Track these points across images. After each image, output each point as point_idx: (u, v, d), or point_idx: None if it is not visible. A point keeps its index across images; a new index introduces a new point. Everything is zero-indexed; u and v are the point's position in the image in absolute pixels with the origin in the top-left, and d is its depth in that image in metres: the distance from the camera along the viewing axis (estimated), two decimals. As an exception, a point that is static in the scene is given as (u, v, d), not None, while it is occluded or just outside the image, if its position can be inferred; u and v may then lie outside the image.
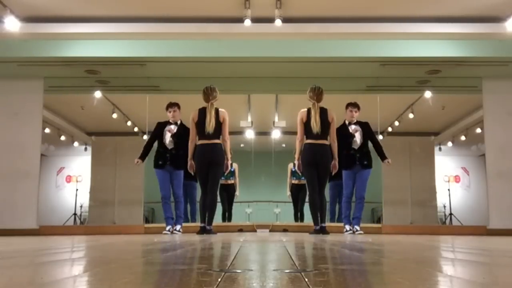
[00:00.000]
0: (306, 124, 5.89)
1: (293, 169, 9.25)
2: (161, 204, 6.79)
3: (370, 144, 6.66)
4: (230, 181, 9.39)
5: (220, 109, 5.95)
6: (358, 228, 6.48)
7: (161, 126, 6.74)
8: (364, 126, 6.60)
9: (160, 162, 6.65)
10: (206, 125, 5.84)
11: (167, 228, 6.69)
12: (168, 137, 6.62)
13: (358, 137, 6.51)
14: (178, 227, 6.77)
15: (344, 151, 6.38)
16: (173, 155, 6.61)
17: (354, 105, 6.64)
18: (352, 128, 6.55)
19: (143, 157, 6.80)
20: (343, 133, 6.46)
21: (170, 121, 6.72)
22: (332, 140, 5.96)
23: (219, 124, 5.88)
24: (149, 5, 6.56)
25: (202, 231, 5.91)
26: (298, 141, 6.00)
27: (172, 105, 6.74)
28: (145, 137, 10.47)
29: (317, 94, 5.94)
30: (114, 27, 6.89)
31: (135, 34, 7.04)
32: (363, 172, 6.51)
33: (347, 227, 6.57)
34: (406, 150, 11.50)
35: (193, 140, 5.97)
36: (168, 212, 6.78)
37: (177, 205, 6.82)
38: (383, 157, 6.62)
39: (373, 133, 6.68)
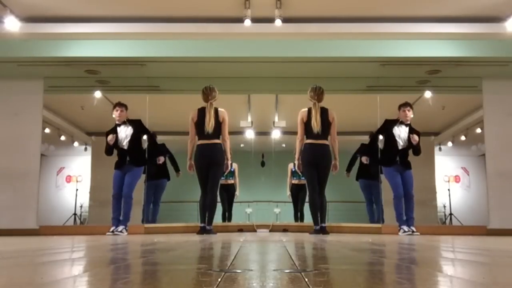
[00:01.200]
0: (307, 124, 5.89)
1: (293, 169, 9.25)
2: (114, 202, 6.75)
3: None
4: (230, 181, 9.39)
5: (219, 109, 5.95)
6: (414, 228, 6.40)
7: (111, 132, 6.76)
8: (414, 131, 6.56)
9: (120, 163, 6.70)
10: (206, 125, 5.84)
11: (111, 229, 6.62)
12: (124, 140, 6.69)
13: (404, 139, 6.48)
14: (120, 227, 6.68)
15: (388, 150, 6.42)
16: (131, 155, 6.64)
17: (408, 104, 6.57)
18: (400, 128, 6.50)
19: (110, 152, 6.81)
20: (392, 132, 6.45)
21: (117, 122, 6.76)
22: (333, 140, 5.95)
23: (218, 124, 5.88)
24: (149, 5, 6.56)
25: (202, 231, 5.91)
26: (298, 141, 5.99)
27: (119, 105, 6.84)
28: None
29: (318, 94, 5.93)
30: (114, 27, 6.89)
31: (135, 34, 7.04)
32: (407, 172, 6.46)
33: (405, 227, 6.41)
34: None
35: (192, 140, 5.97)
36: (115, 212, 6.78)
37: (124, 204, 6.82)
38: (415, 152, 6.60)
39: (419, 141, 6.61)
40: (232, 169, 9.19)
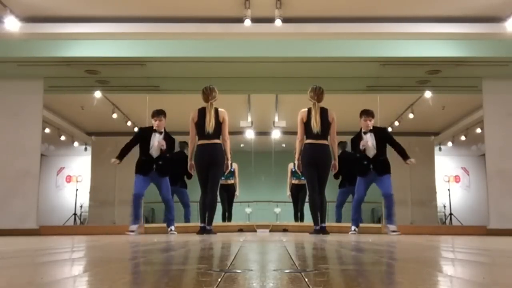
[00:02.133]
0: (306, 124, 5.89)
1: (293, 169, 9.25)
2: (132, 201, 6.57)
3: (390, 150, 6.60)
4: (230, 181, 9.39)
5: (219, 109, 5.95)
6: (394, 227, 6.44)
7: (145, 133, 6.62)
8: (380, 132, 6.50)
9: (145, 170, 6.59)
10: (206, 125, 5.83)
11: (131, 228, 6.47)
12: (155, 148, 6.53)
13: (371, 147, 6.41)
14: (172, 227, 6.74)
15: (358, 160, 6.43)
16: (159, 165, 6.55)
17: (368, 114, 6.50)
18: (366, 137, 6.43)
19: (120, 157, 6.78)
20: (357, 144, 6.47)
21: (155, 128, 6.59)
22: (332, 140, 5.95)
23: (218, 124, 5.88)
24: (149, 5, 6.56)
25: (202, 231, 5.91)
26: (298, 141, 5.99)
27: (158, 114, 6.59)
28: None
29: (318, 94, 5.93)
30: (114, 27, 6.89)
31: (135, 34, 7.04)
32: (381, 178, 6.44)
33: (353, 227, 6.60)
34: (406, 150, 11.49)
35: (193, 141, 5.96)
36: (136, 211, 6.57)
37: (168, 209, 6.80)
38: (405, 157, 6.55)
39: (391, 137, 6.57)
40: (232, 169, 9.19)
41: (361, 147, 6.39)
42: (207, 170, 5.87)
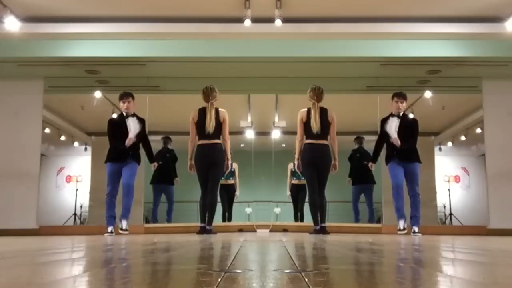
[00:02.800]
0: (306, 124, 5.88)
1: (293, 169, 9.25)
2: (106, 200, 6.16)
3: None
4: (230, 181, 9.39)
5: (220, 109, 5.95)
6: (416, 229, 6.01)
7: (114, 123, 6.36)
8: (412, 122, 6.24)
9: (116, 157, 6.17)
10: (206, 125, 5.83)
11: (109, 229, 6.06)
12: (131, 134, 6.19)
13: (396, 130, 6.08)
14: (124, 223, 6.19)
15: (387, 145, 6.12)
16: (131, 150, 6.21)
17: (400, 95, 6.17)
18: (394, 121, 6.10)
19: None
20: (385, 129, 6.14)
21: (124, 113, 6.36)
22: (332, 140, 5.94)
23: (219, 124, 5.87)
24: (149, 5, 6.56)
25: (202, 231, 5.91)
26: (298, 141, 5.99)
27: (126, 96, 6.35)
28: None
29: (318, 94, 5.93)
30: (114, 27, 6.89)
31: (135, 34, 7.04)
32: (410, 166, 6.11)
33: (401, 223, 6.06)
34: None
35: (193, 140, 5.96)
36: (111, 210, 6.14)
37: (126, 197, 6.23)
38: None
39: (417, 132, 6.28)
40: (232, 169, 9.19)
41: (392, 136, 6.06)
42: (207, 170, 5.87)
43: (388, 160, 6.19)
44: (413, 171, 6.13)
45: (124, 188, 6.18)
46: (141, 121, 6.38)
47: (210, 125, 5.83)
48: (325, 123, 5.87)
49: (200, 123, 5.88)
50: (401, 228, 6.04)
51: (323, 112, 5.91)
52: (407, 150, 6.10)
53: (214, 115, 5.87)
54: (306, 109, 5.95)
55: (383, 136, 6.24)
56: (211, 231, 5.91)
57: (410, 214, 6.04)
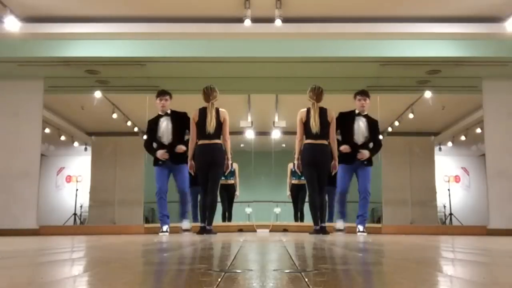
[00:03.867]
0: (306, 124, 5.88)
1: (293, 169, 9.25)
2: (156, 200, 6.22)
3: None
4: (230, 181, 9.39)
5: (220, 109, 5.94)
6: (361, 228, 6.12)
7: (153, 122, 6.32)
8: (373, 123, 6.22)
9: (160, 161, 6.21)
10: (207, 125, 5.82)
11: (164, 228, 6.18)
12: (163, 134, 6.18)
13: (363, 133, 6.12)
14: (186, 223, 6.28)
15: (345, 144, 6.07)
16: (172, 149, 6.19)
17: (362, 93, 6.18)
18: (360, 121, 6.12)
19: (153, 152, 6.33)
20: (347, 123, 6.09)
21: (160, 113, 6.30)
22: (332, 140, 5.93)
23: (219, 124, 5.87)
24: (149, 5, 6.56)
25: (202, 231, 5.91)
26: (297, 141, 5.98)
27: (162, 94, 6.28)
28: (145, 137, 10.48)
29: (317, 94, 5.92)
30: (114, 27, 6.89)
31: (135, 34, 7.04)
32: (364, 169, 6.16)
33: (339, 224, 6.23)
34: (406, 150, 11.51)
35: (194, 140, 5.95)
36: (163, 209, 6.20)
37: (183, 201, 6.34)
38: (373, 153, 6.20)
39: (377, 133, 6.27)
40: (232, 169, 9.19)
41: (343, 148, 6.06)
42: (207, 170, 5.87)
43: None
44: (367, 171, 6.18)
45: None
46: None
47: (211, 125, 5.82)
48: (325, 123, 5.86)
49: (201, 123, 5.88)
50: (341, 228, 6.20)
51: (323, 112, 5.90)
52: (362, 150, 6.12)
53: (214, 115, 5.86)
54: (305, 109, 5.94)
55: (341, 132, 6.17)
56: (211, 231, 5.91)
57: (358, 213, 6.21)
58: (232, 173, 9.32)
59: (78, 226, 11.36)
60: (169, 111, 6.30)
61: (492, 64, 7.50)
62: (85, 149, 12.40)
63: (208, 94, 5.94)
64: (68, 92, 8.75)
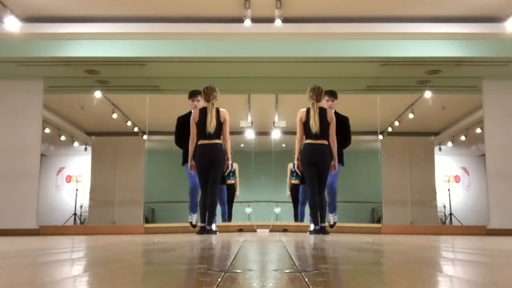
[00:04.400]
0: (305, 124, 5.87)
1: (293, 169, 9.25)
2: (188, 194, 6.49)
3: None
4: (230, 181, 9.38)
5: (221, 109, 5.94)
6: (332, 218, 6.31)
7: (185, 120, 6.25)
8: (343, 120, 6.18)
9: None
10: (207, 125, 5.82)
11: (194, 220, 6.48)
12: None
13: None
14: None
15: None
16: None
17: (330, 94, 6.19)
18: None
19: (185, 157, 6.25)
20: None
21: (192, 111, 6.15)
22: (331, 140, 5.92)
23: (220, 124, 5.86)
24: (149, 5, 6.56)
25: (202, 231, 5.91)
26: (297, 141, 5.98)
27: (194, 94, 6.29)
28: (145, 137, 10.50)
29: (317, 94, 5.91)
30: (114, 27, 6.88)
31: (135, 34, 7.04)
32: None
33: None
34: (406, 150, 11.50)
35: (194, 140, 5.95)
36: (195, 200, 6.46)
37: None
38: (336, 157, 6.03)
39: (348, 130, 6.27)
40: (232, 169, 9.19)
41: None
42: (208, 170, 5.87)
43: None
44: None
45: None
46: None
47: (211, 125, 5.81)
48: (325, 123, 5.86)
49: (201, 123, 5.87)
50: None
51: (323, 112, 5.90)
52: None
53: (215, 115, 5.86)
54: (305, 109, 5.93)
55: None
56: (211, 231, 5.91)
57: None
58: (232, 173, 9.32)
59: (78, 226, 11.36)
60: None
61: (492, 64, 7.50)
62: (85, 149, 12.40)
63: (208, 94, 5.93)
64: (68, 92, 8.75)
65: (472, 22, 6.76)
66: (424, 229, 8.29)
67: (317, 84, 6.01)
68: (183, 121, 6.35)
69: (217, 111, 5.89)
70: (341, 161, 6.19)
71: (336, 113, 6.15)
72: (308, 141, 5.87)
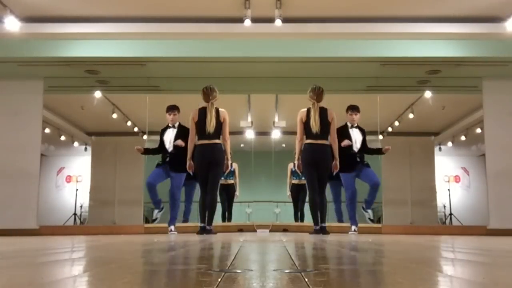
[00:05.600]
0: (306, 124, 5.88)
1: (293, 169, 9.25)
2: (147, 190, 6.81)
3: None
4: (230, 181, 9.38)
5: (220, 109, 5.94)
6: (369, 212, 6.75)
7: (162, 132, 6.94)
8: (363, 132, 6.79)
9: (160, 163, 6.86)
10: (207, 125, 5.82)
11: (156, 212, 6.87)
12: (169, 143, 6.79)
13: (359, 141, 6.66)
14: (172, 227, 6.75)
15: (345, 152, 6.42)
16: (172, 157, 6.71)
17: (353, 108, 6.76)
18: (353, 131, 6.69)
19: (146, 150, 7.12)
20: (344, 135, 6.56)
21: (169, 124, 6.85)
22: (333, 140, 5.93)
23: (219, 124, 5.87)
24: (149, 5, 6.56)
25: (202, 231, 5.91)
26: (297, 141, 5.98)
27: (172, 108, 6.86)
28: (145, 137, 10.49)
29: (318, 94, 5.92)
30: (114, 27, 6.88)
31: (135, 34, 7.03)
32: (367, 169, 6.64)
33: (353, 227, 6.65)
34: (406, 150, 11.51)
35: (193, 140, 5.95)
36: (155, 196, 6.77)
37: (172, 206, 6.81)
38: (379, 150, 6.98)
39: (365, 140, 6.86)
40: (232, 169, 9.18)
41: (345, 143, 6.51)
42: (207, 170, 5.87)
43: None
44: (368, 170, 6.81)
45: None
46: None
47: (211, 125, 5.82)
48: (325, 123, 5.86)
49: (200, 122, 5.87)
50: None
51: (323, 112, 5.90)
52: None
53: (214, 115, 5.86)
54: (306, 109, 5.94)
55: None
56: (211, 231, 5.91)
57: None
58: (232, 173, 9.31)
59: (78, 226, 11.36)
60: (176, 124, 6.86)
61: (492, 64, 7.50)
62: (85, 149, 12.41)
63: (208, 94, 5.94)
64: (68, 92, 8.75)
65: (472, 22, 6.76)
66: (424, 229, 8.28)
67: (317, 84, 6.02)
68: (162, 132, 6.94)
69: (217, 111, 5.89)
70: (367, 164, 6.74)
71: (357, 126, 6.75)
72: (309, 141, 5.88)
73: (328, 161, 5.91)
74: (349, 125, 6.71)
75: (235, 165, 9.34)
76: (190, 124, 5.99)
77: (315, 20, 6.82)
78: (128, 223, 9.76)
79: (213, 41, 7.39)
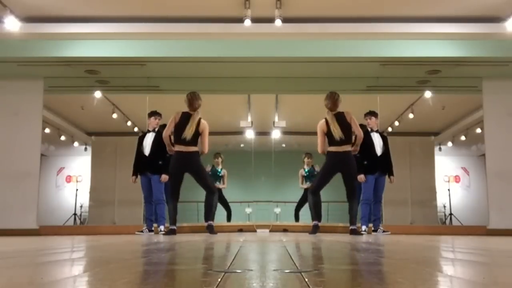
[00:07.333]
0: (329, 134, 5.92)
1: (305, 174, 9.22)
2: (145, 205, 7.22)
3: None
4: (219, 186, 9.30)
5: (202, 120, 5.96)
6: (382, 228, 6.90)
7: (140, 139, 7.11)
8: (385, 140, 7.00)
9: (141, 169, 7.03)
10: (186, 130, 5.83)
11: (143, 228, 7.11)
12: (146, 146, 6.98)
13: (379, 146, 6.88)
14: (161, 227, 6.95)
15: (367, 157, 6.69)
16: (150, 159, 6.90)
17: (368, 113, 7.00)
18: (374, 135, 6.90)
19: (135, 170, 7.09)
20: (366, 141, 6.66)
21: (149, 129, 7.05)
22: (359, 139, 5.95)
23: (197, 134, 5.89)
24: (149, 5, 6.56)
25: (171, 232, 5.94)
26: (319, 151, 6.07)
27: (151, 114, 7.06)
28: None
29: (333, 101, 5.97)
30: (114, 27, 6.88)
31: (135, 34, 7.03)
32: (382, 178, 6.89)
33: (364, 227, 6.83)
34: (406, 150, 11.51)
35: (166, 137, 5.94)
36: (148, 213, 7.14)
37: (158, 206, 7.01)
38: (391, 171, 7.02)
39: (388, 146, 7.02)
40: (221, 175, 9.13)
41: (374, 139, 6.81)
42: (181, 176, 5.97)
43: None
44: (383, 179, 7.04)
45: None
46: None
47: (189, 131, 5.84)
48: (346, 126, 5.90)
49: (180, 126, 5.88)
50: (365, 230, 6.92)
51: (340, 117, 5.93)
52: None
53: (196, 123, 5.88)
54: (323, 120, 5.96)
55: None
56: (212, 228, 5.98)
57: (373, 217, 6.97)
58: (221, 178, 9.24)
59: (78, 226, 11.37)
60: (156, 129, 7.05)
61: (492, 64, 7.50)
62: (85, 149, 12.41)
63: (192, 103, 5.97)
64: (68, 92, 8.74)
65: (472, 22, 6.76)
66: (424, 229, 8.29)
67: (333, 91, 6.02)
68: (140, 139, 7.11)
69: (199, 121, 5.90)
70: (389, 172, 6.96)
71: (377, 131, 6.99)
72: (332, 149, 5.90)
73: (352, 168, 5.95)
74: (369, 129, 6.91)
75: (224, 172, 9.28)
76: (168, 122, 6.00)
77: (315, 20, 6.82)
78: (128, 223, 9.76)
79: (213, 41, 7.39)
